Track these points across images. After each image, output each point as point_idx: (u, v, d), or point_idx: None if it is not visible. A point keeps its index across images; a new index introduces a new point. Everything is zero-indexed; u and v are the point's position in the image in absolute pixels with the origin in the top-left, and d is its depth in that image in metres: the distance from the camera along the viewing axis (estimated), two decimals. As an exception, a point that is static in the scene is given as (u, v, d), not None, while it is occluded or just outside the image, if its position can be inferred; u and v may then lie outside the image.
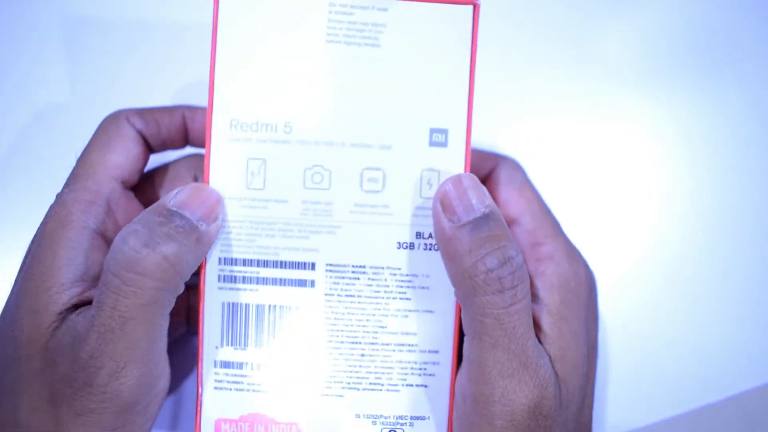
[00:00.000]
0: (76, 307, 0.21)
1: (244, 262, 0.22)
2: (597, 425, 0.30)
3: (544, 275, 0.24)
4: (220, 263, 0.22)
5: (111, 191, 0.23)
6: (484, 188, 0.21)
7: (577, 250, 0.25)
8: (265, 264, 0.22)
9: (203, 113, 0.25)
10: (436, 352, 0.23)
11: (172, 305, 0.21)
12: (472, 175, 0.21)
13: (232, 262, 0.22)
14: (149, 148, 0.25)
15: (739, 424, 0.31)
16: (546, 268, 0.24)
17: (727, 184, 0.33)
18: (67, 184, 0.23)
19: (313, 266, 0.22)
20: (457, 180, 0.21)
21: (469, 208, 0.20)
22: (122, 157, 0.23)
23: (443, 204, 0.21)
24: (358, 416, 0.23)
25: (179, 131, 0.25)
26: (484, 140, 0.32)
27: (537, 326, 0.23)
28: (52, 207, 0.23)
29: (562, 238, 0.25)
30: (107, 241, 0.23)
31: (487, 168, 0.26)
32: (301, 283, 0.23)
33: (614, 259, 0.32)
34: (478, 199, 0.21)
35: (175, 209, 0.20)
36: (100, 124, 0.24)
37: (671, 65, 0.34)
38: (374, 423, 0.23)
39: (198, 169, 0.27)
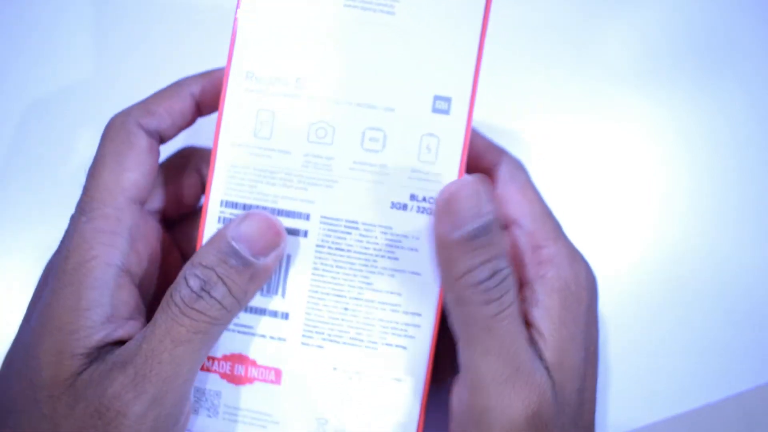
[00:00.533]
0: (104, 347, 0.21)
1: (244, 207, 0.23)
2: (597, 425, 0.30)
3: (545, 279, 0.23)
4: (221, 205, 0.23)
5: (132, 218, 0.22)
6: (488, 193, 0.21)
7: (579, 253, 0.25)
8: (263, 210, 0.23)
9: (210, 81, 0.25)
10: (419, 315, 0.23)
11: (219, 337, 0.22)
12: (478, 179, 0.21)
13: (233, 205, 0.23)
14: (161, 142, 0.24)
15: (739, 424, 0.31)
16: (546, 271, 0.24)
17: (727, 184, 0.33)
18: (82, 210, 0.22)
19: (308, 217, 0.23)
20: (463, 184, 0.21)
21: (470, 216, 0.20)
22: (137, 174, 0.23)
23: (446, 205, 0.21)
24: (335, 369, 0.23)
25: (191, 111, 0.25)
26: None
27: (537, 331, 0.23)
28: (70, 237, 0.22)
29: (563, 241, 0.25)
30: (131, 276, 0.22)
31: (490, 162, 0.26)
32: (295, 232, 0.23)
33: (614, 259, 0.32)
34: (480, 206, 0.20)
35: (233, 244, 0.21)
36: (107, 132, 0.23)
37: (671, 65, 0.34)
38: (350, 378, 0.23)
39: (200, 158, 0.26)
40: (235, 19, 0.23)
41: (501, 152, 0.26)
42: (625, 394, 0.31)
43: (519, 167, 0.26)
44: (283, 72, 0.23)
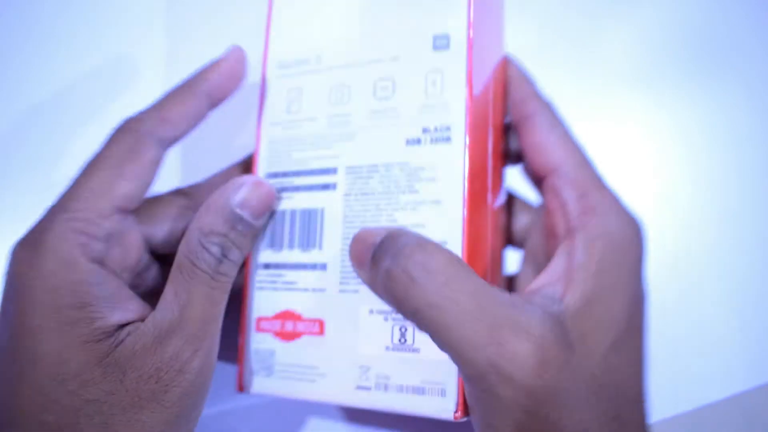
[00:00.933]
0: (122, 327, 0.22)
1: (284, 174, 0.26)
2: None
3: (587, 227, 0.22)
4: (266, 177, 0.26)
5: (113, 226, 0.22)
6: (367, 233, 0.22)
7: (625, 205, 0.23)
8: (298, 174, 0.26)
9: (219, 74, 0.26)
10: (445, 242, 0.23)
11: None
12: (360, 232, 0.22)
13: (275, 175, 0.26)
14: (171, 143, 0.25)
15: (739, 424, 0.31)
16: (590, 219, 0.22)
17: (728, 183, 0.33)
18: (64, 207, 0.22)
19: (335, 171, 0.25)
20: (353, 241, 0.22)
21: (366, 254, 0.22)
22: (132, 185, 0.23)
23: (357, 262, 0.22)
24: (371, 312, 0.23)
25: (205, 109, 0.25)
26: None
27: (570, 280, 0.21)
28: (45, 230, 0.21)
29: (607, 191, 0.23)
30: (110, 270, 0.22)
31: (529, 109, 0.26)
32: (326, 186, 0.25)
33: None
34: (372, 237, 0.22)
35: (237, 211, 0.23)
36: (116, 135, 0.23)
37: (671, 65, 0.34)
38: (386, 319, 0.23)
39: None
40: (269, 16, 0.27)
41: (536, 100, 0.26)
42: (625, 394, 0.31)
43: (557, 117, 0.26)
44: (305, 53, 0.26)
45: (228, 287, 0.23)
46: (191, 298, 0.22)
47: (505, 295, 0.20)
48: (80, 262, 0.21)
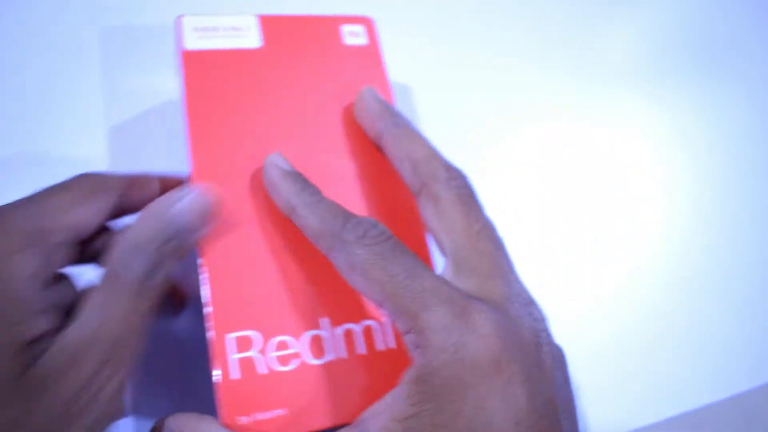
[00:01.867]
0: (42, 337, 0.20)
1: None
2: (597, 425, 0.30)
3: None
4: None
5: (62, 242, 0.22)
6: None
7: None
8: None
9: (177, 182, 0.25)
10: None
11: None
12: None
13: None
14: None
15: (739, 424, 0.31)
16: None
17: (728, 185, 0.33)
18: (29, 211, 0.21)
19: None
20: None
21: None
22: (90, 213, 0.23)
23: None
24: None
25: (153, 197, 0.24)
26: (484, 142, 0.32)
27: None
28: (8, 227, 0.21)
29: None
30: (61, 275, 0.22)
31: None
32: None
33: (615, 261, 0.32)
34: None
35: (176, 223, 0.22)
36: (72, 177, 0.23)
37: (671, 65, 0.34)
38: None
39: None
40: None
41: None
42: (625, 394, 0.31)
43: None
44: None
45: (153, 304, 0.22)
46: (113, 313, 0.21)
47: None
48: (27, 267, 0.20)
